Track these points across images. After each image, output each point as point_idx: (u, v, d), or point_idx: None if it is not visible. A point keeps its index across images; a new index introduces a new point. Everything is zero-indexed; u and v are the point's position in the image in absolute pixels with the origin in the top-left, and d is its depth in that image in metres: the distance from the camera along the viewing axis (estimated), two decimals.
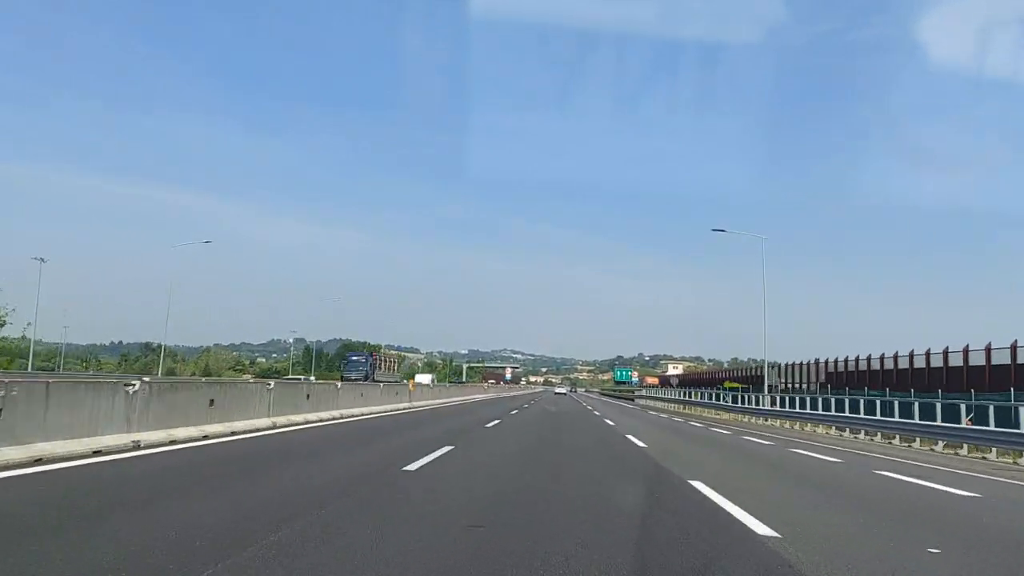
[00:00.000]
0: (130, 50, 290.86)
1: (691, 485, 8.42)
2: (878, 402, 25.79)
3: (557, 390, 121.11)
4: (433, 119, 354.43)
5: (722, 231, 29.17)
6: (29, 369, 58.52)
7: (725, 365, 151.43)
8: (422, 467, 8.82)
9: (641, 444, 15.15)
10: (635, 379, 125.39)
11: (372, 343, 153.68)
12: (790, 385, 46.59)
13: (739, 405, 39.42)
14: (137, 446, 9.08)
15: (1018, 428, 17.08)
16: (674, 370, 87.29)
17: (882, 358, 39.29)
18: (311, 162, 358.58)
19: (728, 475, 10.46)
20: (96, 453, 8.31)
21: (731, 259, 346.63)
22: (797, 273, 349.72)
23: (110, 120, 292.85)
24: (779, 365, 48.88)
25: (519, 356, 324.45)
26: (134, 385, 9.44)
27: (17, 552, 4.02)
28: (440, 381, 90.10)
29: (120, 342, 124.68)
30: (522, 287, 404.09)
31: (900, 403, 23.94)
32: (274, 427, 13.49)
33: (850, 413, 26.08)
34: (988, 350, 29.07)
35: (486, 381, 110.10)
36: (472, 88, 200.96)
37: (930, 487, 10.22)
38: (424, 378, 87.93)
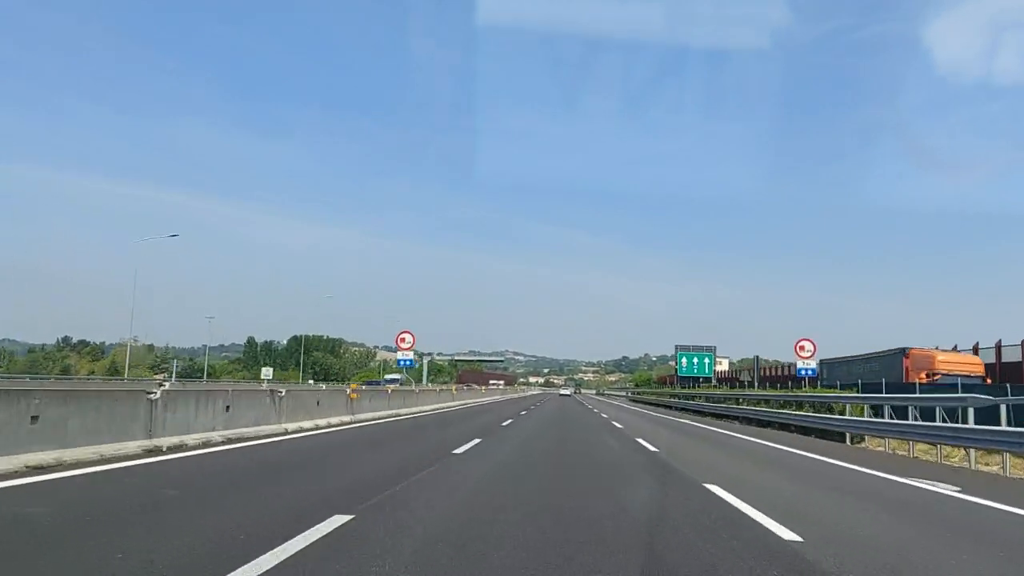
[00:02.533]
0: (131, 54, 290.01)
1: None
2: None
3: (562, 391, 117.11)
4: (441, 122, 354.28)
5: None
6: None
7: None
8: None
9: None
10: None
11: (369, 344, 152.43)
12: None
13: None
14: None
15: None
16: (718, 367, 60.00)
17: None
18: (319, 164, 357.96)
19: None
20: None
21: (737, 260, 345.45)
22: (801, 273, 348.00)
23: (113, 122, 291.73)
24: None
25: (521, 357, 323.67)
26: None
27: None
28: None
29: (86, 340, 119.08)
30: (526, 287, 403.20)
31: None
32: None
33: None
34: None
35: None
36: (480, 91, 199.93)
37: None
38: None
